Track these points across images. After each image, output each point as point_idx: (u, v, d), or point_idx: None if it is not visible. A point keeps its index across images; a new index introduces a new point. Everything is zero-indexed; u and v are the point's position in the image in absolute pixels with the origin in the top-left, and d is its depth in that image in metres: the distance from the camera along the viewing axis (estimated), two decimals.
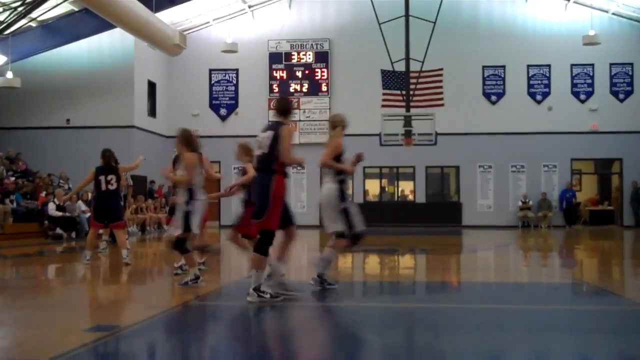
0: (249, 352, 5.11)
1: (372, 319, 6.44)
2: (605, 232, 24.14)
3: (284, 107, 7.55)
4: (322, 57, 28.49)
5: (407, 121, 24.64)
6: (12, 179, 20.97)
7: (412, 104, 24.86)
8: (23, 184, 20.73)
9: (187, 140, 8.32)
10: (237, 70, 28.53)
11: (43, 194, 20.35)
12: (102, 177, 11.11)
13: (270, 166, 7.09)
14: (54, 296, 8.26)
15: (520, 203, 26.84)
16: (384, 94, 25.57)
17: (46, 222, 19.34)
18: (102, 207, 11.21)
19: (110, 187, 11.07)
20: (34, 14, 21.93)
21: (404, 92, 25.06)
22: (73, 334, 5.43)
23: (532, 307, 7.20)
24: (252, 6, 28.26)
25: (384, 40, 24.07)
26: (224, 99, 28.63)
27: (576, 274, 11.05)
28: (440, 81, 25.48)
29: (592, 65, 27.32)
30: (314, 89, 28.45)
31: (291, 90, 28.43)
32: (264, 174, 7.09)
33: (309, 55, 28.58)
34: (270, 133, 7.27)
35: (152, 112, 27.07)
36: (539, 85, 27.69)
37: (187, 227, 7.89)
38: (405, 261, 13.71)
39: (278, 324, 6.29)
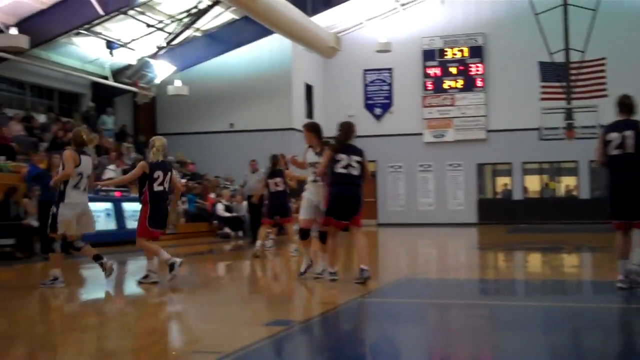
0: (418, 348, 5.20)
1: (533, 318, 6.34)
2: None
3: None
4: (477, 52, 28.06)
5: (568, 114, 23.80)
6: (184, 181, 22.26)
7: (573, 96, 23.97)
8: (193, 187, 21.95)
9: (317, 131, 8.85)
10: (391, 69, 28.68)
11: (212, 195, 21.45)
12: (270, 180, 12.43)
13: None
14: (230, 292, 8.73)
15: None
16: (542, 87, 24.78)
17: (215, 221, 20.39)
18: (274, 206, 12.42)
19: (278, 188, 12.32)
20: (198, 24, 23.14)
21: (564, 84, 24.21)
22: (252, 327, 5.75)
23: None
24: (405, 4, 28.29)
25: (541, 31, 23.35)
26: (378, 98, 28.87)
27: None
28: (603, 71, 24.33)
29: None
30: (469, 85, 28.06)
31: (445, 87, 28.21)
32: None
33: (463, 50, 28.24)
34: (631, 132, 7.15)
35: (309, 114, 27.77)
36: None
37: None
38: (571, 259, 13.26)
39: (444, 322, 6.34)
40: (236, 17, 23.64)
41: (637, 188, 7.12)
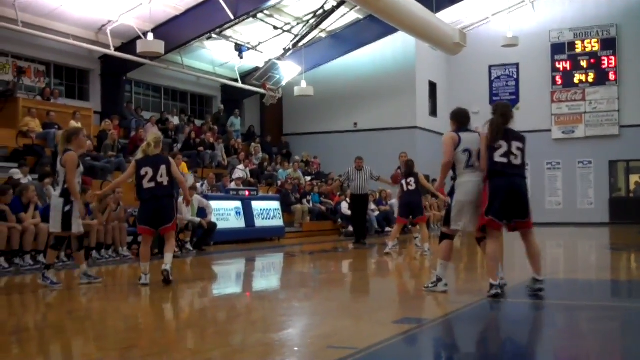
0: (548, 350, 5.16)
1: None
2: None
3: None
4: (609, 44, 26.99)
5: None
6: (308, 179, 22.73)
7: None
8: (318, 185, 22.35)
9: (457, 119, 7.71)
10: (517, 64, 28.06)
11: (337, 193, 21.76)
12: (403, 180, 12.90)
13: None
14: (358, 289, 8.90)
15: None
16: None
17: (339, 220, 20.69)
18: (406, 205, 12.85)
19: (410, 187, 12.77)
20: (323, 25, 23.52)
21: None
22: (382, 325, 5.87)
23: None
24: None
25: None
26: (504, 94, 28.30)
27: None
28: None
29: None
30: (601, 79, 27.04)
31: (575, 81, 27.31)
32: None
33: (594, 43, 27.23)
34: None
35: (433, 111, 27.61)
36: None
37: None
38: None
39: (573, 324, 6.23)
40: (360, 16, 23.85)
41: None
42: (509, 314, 6.64)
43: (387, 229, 20.49)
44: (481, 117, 29.48)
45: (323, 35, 24.63)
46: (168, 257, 8.50)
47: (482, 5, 26.86)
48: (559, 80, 27.54)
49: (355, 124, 26.43)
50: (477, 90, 28.38)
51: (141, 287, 8.23)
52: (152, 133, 9.04)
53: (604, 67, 27.09)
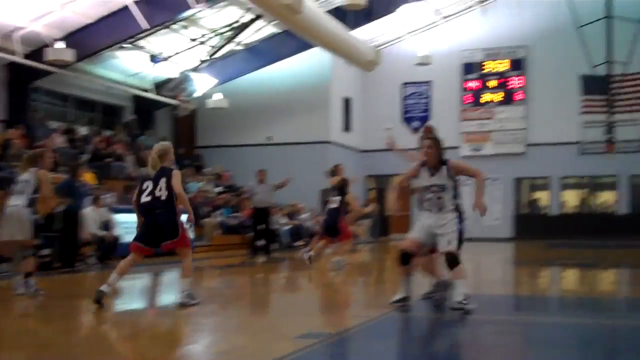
0: None
1: (569, 335, 6.33)
2: None
3: None
4: (518, 65, 27.92)
5: (609, 128, 23.56)
6: (216, 190, 22.51)
7: (614, 109, 23.73)
8: (229, 199, 22.17)
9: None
10: (429, 82, 28.67)
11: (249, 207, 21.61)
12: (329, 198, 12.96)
13: None
14: (263, 304, 8.84)
15: None
16: (583, 100, 24.60)
17: (250, 234, 20.55)
18: (324, 223, 12.94)
19: (331, 205, 12.68)
20: (239, 38, 23.46)
21: (605, 98, 23.99)
22: (284, 340, 5.84)
23: None
24: (446, 17, 28.28)
25: (584, 44, 23.21)
26: (416, 111, 28.89)
27: None
28: None
29: None
30: (509, 98, 27.94)
31: (484, 100, 28.11)
32: None
33: (504, 63, 28.11)
34: None
35: (347, 127, 27.88)
36: None
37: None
38: (609, 276, 13.12)
39: (476, 338, 6.36)
40: (277, 30, 23.91)
41: None
42: (413, 328, 6.72)
43: (297, 242, 20.54)
44: (393, 133, 30.08)
45: (239, 48, 24.57)
46: (182, 283, 7.83)
47: (397, 23, 27.36)
48: (468, 99, 28.29)
49: (270, 137, 26.42)
50: (391, 107, 28.86)
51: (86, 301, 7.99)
52: (155, 145, 8.35)
53: (512, 87, 28.00)
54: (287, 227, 20.88)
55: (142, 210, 7.79)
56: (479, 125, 28.09)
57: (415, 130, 28.75)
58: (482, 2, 28.06)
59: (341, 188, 12.72)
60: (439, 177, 7.32)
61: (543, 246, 21.50)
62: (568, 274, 13.53)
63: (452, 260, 7.06)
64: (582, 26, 23.67)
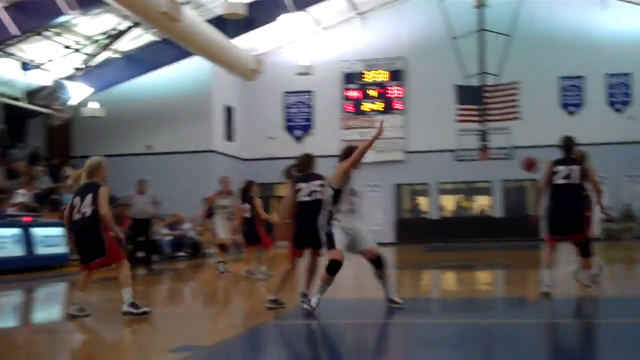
0: None
1: (449, 336, 6.47)
2: None
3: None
4: (396, 76, 28.56)
5: (483, 136, 24.52)
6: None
7: (487, 118, 24.72)
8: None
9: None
10: (311, 91, 28.90)
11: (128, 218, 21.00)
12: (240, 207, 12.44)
13: None
14: (142, 317, 8.56)
15: (603, 215, 26.00)
16: (458, 109, 25.47)
17: (130, 245, 19.97)
18: (244, 233, 12.63)
19: (245, 215, 12.38)
20: (116, 46, 22.84)
21: (479, 107, 24.96)
22: (159, 353, 5.67)
23: (622, 321, 7.05)
24: (326, 28, 28.60)
25: (458, 56, 24.08)
26: (299, 120, 29.03)
27: None
28: (516, 94, 25.21)
29: None
30: (388, 108, 28.53)
31: (365, 109, 28.61)
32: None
33: (383, 74, 28.71)
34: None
35: (230, 136, 27.67)
36: (619, 95, 27.04)
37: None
38: (482, 277, 13.59)
39: (355, 342, 6.39)
40: (156, 38, 23.44)
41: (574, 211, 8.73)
42: (291, 336, 6.67)
43: (180, 253, 20.16)
44: (276, 142, 30.02)
45: (116, 56, 23.92)
46: (124, 294, 7.73)
47: (279, 33, 27.43)
48: (349, 108, 28.72)
49: (149, 146, 25.83)
50: (273, 116, 28.87)
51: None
52: (89, 159, 7.97)
53: (391, 96, 28.62)
54: (168, 238, 20.44)
55: (73, 229, 7.72)
56: (360, 134, 28.52)
57: (298, 139, 28.95)
58: (361, 14, 28.59)
59: (248, 194, 12.44)
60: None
61: (423, 249, 22.07)
62: (447, 276, 13.90)
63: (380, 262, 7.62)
64: (456, 38, 24.56)
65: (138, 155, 25.59)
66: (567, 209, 8.74)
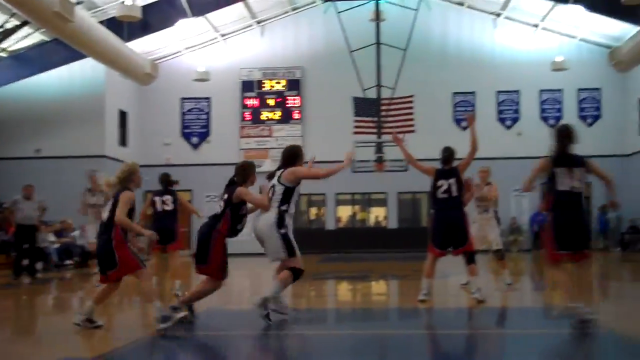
0: None
1: (343, 346, 6.43)
2: None
3: None
4: (295, 85, 28.63)
5: (379, 148, 24.84)
6: None
7: (383, 130, 25.08)
8: None
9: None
10: (209, 98, 28.56)
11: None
12: (157, 198, 10.99)
13: None
14: (24, 328, 8.14)
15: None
16: (355, 121, 25.74)
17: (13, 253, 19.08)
18: (158, 231, 10.17)
19: (166, 207, 10.92)
20: (4, 45, 21.85)
21: (375, 119, 25.30)
22: None
23: (512, 332, 7.22)
24: (225, 35, 28.36)
25: (356, 68, 24.36)
26: (195, 127, 28.61)
27: (551, 298, 11.13)
28: (411, 107, 25.70)
29: (561, 90, 27.74)
30: (286, 117, 28.55)
31: (263, 118, 28.51)
32: None
33: (282, 83, 28.72)
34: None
35: (123, 141, 26.95)
36: (508, 111, 28.10)
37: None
38: (376, 287, 13.72)
39: (244, 354, 6.26)
40: (46, 38, 22.58)
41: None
42: (177, 348, 6.48)
43: (68, 261, 19.40)
44: (172, 148, 29.53)
45: (3, 55, 22.88)
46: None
47: (176, 38, 26.98)
48: (247, 116, 28.54)
49: (38, 150, 24.81)
50: (169, 122, 28.33)
51: None
52: (124, 164, 7.51)
53: (289, 106, 28.65)
54: (55, 246, 19.63)
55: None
56: (258, 143, 28.42)
57: (195, 146, 28.52)
58: (260, 22, 28.53)
59: (170, 185, 11.10)
60: None
61: (320, 260, 22.13)
62: (342, 286, 13.94)
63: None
64: (353, 51, 24.85)
65: (26, 159, 24.57)
66: (449, 223, 9.19)
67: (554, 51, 26.67)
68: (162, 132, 28.09)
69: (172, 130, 28.35)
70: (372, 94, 25.32)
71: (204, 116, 28.70)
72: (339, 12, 25.28)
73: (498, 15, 27.69)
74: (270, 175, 8.04)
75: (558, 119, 27.49)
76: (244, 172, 7.71)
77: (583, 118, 27.76)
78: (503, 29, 28.03)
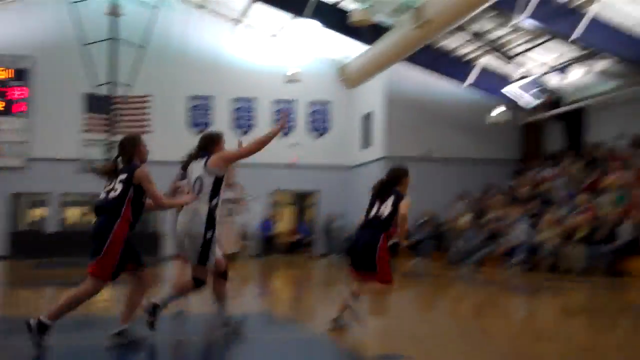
0: None
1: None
2: (297, 261, 25.01)
3: None
4: (22, 75, 26.53)
5: (110, 147, 23.94)
6: None
7: (116, 129, 24.20)
8: None
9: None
10: None
11: None
12: None
13: None
14: None
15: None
16: (87, 118, 24.59)
17: None
18: None
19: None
20: None
21: (107, 117, 24.37)
22: None
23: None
24: None
25: (88, 63, 23.26)
26: None
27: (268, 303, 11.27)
28: (147, 107, 25.15)
29: (294, 101, 28.61)
30: (10, 109, 26.37)
31: None
32: None
33: (7, 72, 26.48)
34: None
35: None
36: (244, 118, 28.41)
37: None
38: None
39: None
40: None
41: None
42: None
43: None
44: None
45: None
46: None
47: None
48: None
49: None
50: None
51: None
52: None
53: (13, 97, 26.49)
54: None
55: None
56: None
57: None
58: None
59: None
60: None
61: (35, 265, 20.66)
62: (53, 294, 13.07)
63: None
64: (87, 44, 23.71)
65: None
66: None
67: (289, 63, 27.36)
68: None
69: None
70: (105, 90, 24.36)
71: None
72: (74, 2, 23.99)
73: (238, 22, 27.85)
74: (185, 166, 7.20)
75: (291, 129, 28.15)
76: None
77: (314, 129, 28.94)
78: (242, 37, 28.23)
